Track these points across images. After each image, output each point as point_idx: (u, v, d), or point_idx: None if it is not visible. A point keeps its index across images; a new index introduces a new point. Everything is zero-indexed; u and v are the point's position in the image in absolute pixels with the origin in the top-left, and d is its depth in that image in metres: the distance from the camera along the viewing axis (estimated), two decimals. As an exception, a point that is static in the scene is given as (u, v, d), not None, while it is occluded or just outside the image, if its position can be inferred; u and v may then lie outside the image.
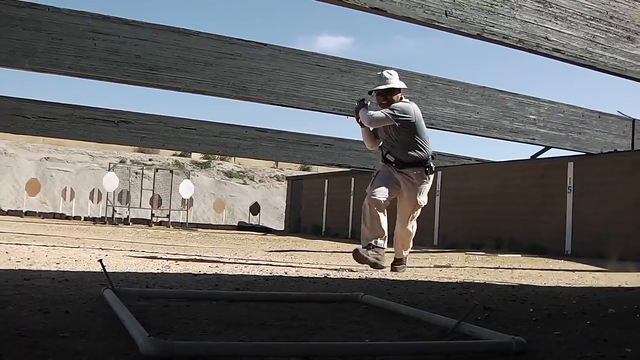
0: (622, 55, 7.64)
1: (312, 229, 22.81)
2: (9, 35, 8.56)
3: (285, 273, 5.85)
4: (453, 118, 11.80)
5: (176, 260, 6.81)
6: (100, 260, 3.48)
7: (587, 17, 7.33)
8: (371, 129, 6.87)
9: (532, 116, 12.76)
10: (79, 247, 8.11)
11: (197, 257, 7.55)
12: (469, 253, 11.83)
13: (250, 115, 47.51)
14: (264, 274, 5.55)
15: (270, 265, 6.88)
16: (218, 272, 5.47)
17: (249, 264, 6.88)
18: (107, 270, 3.33)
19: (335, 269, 6.66)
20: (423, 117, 6.81)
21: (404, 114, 6.53)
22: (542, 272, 7.67)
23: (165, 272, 5.31)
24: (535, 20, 6.99)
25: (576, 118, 13.37)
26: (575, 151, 13.64)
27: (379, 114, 6.59)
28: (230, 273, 5.52)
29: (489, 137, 12.59)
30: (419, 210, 6.78)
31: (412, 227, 6.82)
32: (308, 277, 5.50)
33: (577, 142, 13.40)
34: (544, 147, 14.45)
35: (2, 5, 8.53)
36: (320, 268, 6.80)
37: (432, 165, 6.66)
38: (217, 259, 7.37)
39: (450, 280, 5.79)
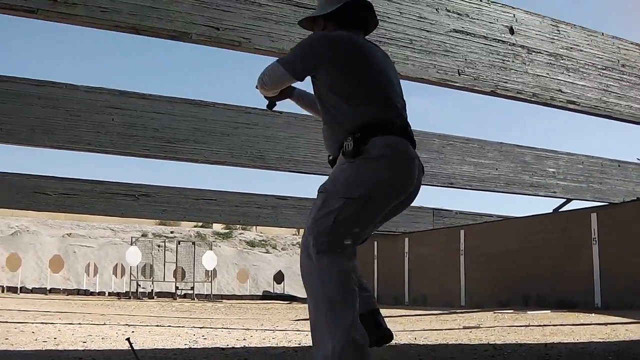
0: (637, 103, 7.65)
1: (337, 294, 22.62)
2: (28, 113, 8.68)
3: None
4: (472, 176, 11.77)
5: (203, 334, 6.75)
6: (128, 339, 3.45)
7: (599, 67, 7.35)
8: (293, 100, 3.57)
9: (551, 169, 12.70)
10: (104, 324, 8.08)
11: (224, 330, 7.49)
12: (497, 312, 11.66)
13: (270, 183, 47.71)
14: (292, 345, 5.49)
15: (298, 335, 6.81)
16: (246, 345, 5.41)
17: (277, 334, 6.82)
18: (135, 348, 3.30)
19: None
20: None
21: (305, 51, 3.09)
22: (574, 328, 7.53)
23: (192, 347, 5.26)
24: (547, 74, 7.01)
25: (596, 168, 13.30)
26: (597, 201, 13.54)
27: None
28: (259, 345, 5.46)
29: (509, 192, 12.54)
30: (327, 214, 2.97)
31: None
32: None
33: (598, 193, 13.30)
34: (565, 200, 14.37)
35: (20, 84, 8.70)
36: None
37: (367, 136, 2.88)
38: (244, 331, 7.30)
39: (482, 342, 5.69)
